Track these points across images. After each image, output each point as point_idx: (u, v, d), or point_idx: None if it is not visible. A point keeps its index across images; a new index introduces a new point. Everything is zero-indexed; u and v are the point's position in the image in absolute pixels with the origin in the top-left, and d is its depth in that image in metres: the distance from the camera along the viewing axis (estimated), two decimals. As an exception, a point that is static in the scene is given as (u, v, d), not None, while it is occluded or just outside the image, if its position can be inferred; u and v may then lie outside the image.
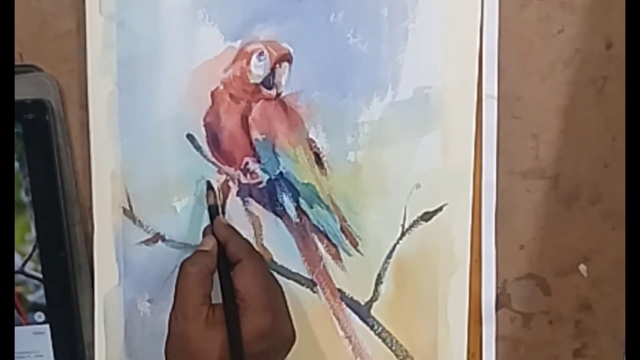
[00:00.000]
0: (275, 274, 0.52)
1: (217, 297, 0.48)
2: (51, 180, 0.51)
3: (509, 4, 0.51)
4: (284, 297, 0.50)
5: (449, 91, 0.51)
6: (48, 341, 0.53)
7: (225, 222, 0.50)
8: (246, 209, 0.52)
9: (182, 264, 0.48)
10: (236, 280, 0.47)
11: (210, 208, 0.50)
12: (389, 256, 0.52)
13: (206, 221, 0.51)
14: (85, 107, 0.51)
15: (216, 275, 0.48)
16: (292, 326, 0.50)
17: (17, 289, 0.52)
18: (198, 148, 0.52)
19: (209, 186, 0.51)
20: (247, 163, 0.52)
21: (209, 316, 0.46)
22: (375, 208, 0.52)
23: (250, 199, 0.52)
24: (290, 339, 0.49)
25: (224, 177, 0.52)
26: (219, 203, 0.52)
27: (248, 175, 0.52)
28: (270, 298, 0.48)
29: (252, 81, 0.51)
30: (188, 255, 0.49)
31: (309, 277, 0.53)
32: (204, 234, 0.50)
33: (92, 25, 0.50)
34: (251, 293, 0.47)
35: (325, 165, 0.52)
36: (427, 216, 0.52)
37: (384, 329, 0.53)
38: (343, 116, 0.51)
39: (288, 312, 0.50)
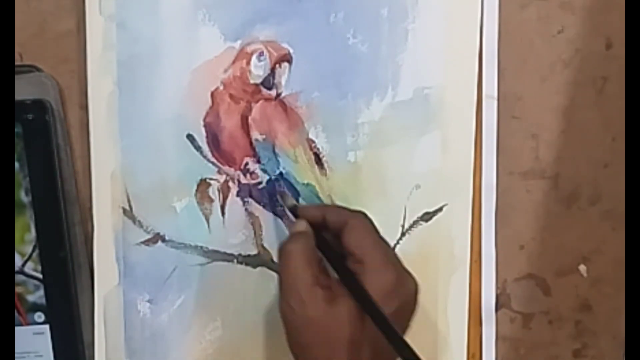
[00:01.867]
0: (274, 274, 0.52)
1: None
2: (51, 180, 0.51)
3: (509, 4, 0.51)
4: (394, 252, 0.47)
5: (449, 91, 0.51)
6: (48, 341, 0.53)
7: (311, 204, 0.50)
8: (246, 209, 0.52)
9: (283, 246, 0.45)
10: (349, 243, 0.45)
11: (292, 209, 0.49)
12: (389, 256, 0.52)
13: (206, 222, 0.51)
14: (85, 107, 0.51)
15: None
16: (414, 279, 0.46)
17: (17, 289, 0.52)
18: (198, 148, 0.52)
19: (283, 193, 0.51)
20: (247, 163, 0.52)
21: (326, 295, 0.43)
22: (375, 208, 0.52)
23: (250, 199, 0.52)
24: (415, 291, 0.46)
25: (224, 177, 0.52)
26: (220, 203, 0.52)
27: (248, 175, 0.52)
28: (386, 252, 0.45)
29: (252, 81, 0.51)
30: (188, 255, 0.49)
31: (309, 277, 0.53)
32: (289, 227, 0.49)
33: (92, 26, 0.50)
34: (367, 251, 0.44)
35: (325, 165, 0.52)
36: (427, 216, 0.52)
37: (384, 329, 0.53)
38: (343, 116, 0.51)
39: (403, 266, 0.46)
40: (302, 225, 0.47)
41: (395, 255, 0.46)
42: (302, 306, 0.43)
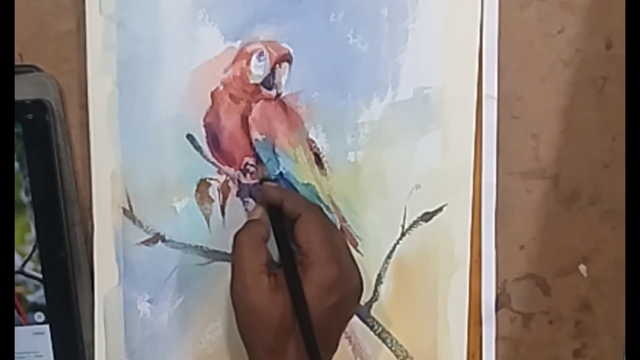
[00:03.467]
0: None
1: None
2: (51, 180, 0.51)
3: (509, 4, 0.51)
4: (347, 246, 0.50)
5: (449, 91, 0.51)
6: (48, 341, 0.53)
7: (275, 184, 0.50)
8: (246, 209, 0.52)
9: (235, 235, 0.47)
10: (298, 236, 0.47)
11: (262, 180, 0.51)
12: (388, 256, 0.52)
13: (206, 222, 0.51)
14: (85, 107, 0.51)
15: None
16: (359, 274, 0.49)
17: (17, 289, 0.52)
18: (198, 148, 0.52)
19: (259, 160, 0.51)
20: (247, 163, 0.52)
21: (270, 283, 0.45)
22: (375, 208, 0.52)
23: (250, 199, 0.52)
24: (358, 287, 0.48)
25: (223, 177, 0.52)
26: (220, 203, 0.52)
27: (248, 175, 0.52)
28: (333, 248, 0.47)
29: (252, 81, 0.51)
30: (188, 255, 0.49)
31: (309, 277, 0.53)
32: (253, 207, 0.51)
33: (92, 25, 0.50)
34: (314, 247, 0.46)
35: (325, 165, 0.52)
36: (427, 216, 0.52)
37: (384, 329, 0.53)
38: (343, 116, 0.51)
39: (354, 261, 0.49)
40: (257, 213, 0.49)
41: (343, 251, 0.48)
42: (246, 292, 0.45)
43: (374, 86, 0.51)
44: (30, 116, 0.50)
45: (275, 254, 0.48)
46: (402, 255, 0.52)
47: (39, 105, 0.50)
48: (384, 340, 0.53)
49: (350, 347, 0.53)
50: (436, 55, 0.51)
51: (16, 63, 0.51)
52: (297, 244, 0.47)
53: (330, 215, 0.52)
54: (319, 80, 0.51)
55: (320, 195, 0.52)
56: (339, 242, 0.49)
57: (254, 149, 0.52)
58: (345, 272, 0.47)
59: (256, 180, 0.52)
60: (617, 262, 0.54)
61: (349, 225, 0.52)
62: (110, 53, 0.51)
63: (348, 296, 0.48)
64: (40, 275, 0.52)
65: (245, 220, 0.50)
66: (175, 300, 0.53)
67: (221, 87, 0.51)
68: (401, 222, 0.52)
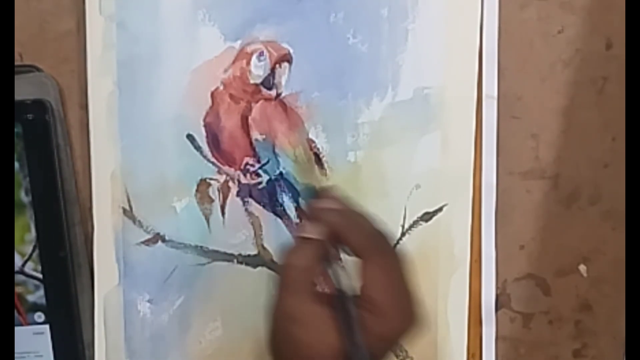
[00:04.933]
0: (274, 274, 0.52)
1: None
2: (51, 180, 0.51)
3: (509, 4, 0.51)
4: (410, 293, 0.42)
5: (449, 91, 0.51)
6: (48, 341, 0.53)
7: (335, 203, 0.42)
8: (246, 209, 0.52)
9: (287, 254, 0.40)
10: (363, 281, 0.40)
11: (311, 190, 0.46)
12: (389, 256, 0.52)
13: (206, 222, 0.51)
14: (85, 107, 0.51)
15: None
16: (413, 308, 0.41)
17: (17, 289, 0.52)
18: (198, 148, 0.52)
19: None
20: (247, 163, 0.52)
21: (322, 316, 0.39)
22: (375, 208, 0.52)
23: (250, 199, 0.52)
24: (413, 324, 0.42)
25: (224, 177, 0.52)
26: (220, 203, 0.52)
27: (248, 175, 0.52)
28: (402, 299, 0.40)
29: (252, 81, 0.51)
30: (188, 255, 0.49)
31: (309, 277, 0.53)
32: (300, 217, 0.46)
33: (92, 25, 0.50)
34: (380, 298, 0.39)
35: (325, 165, 0.52)
36: (427, 216, 0.52)
37: (384, 329, 0.53)
38: (343, 116, 0.51)
39: (412, 307, 0.41)
40: (315, 231, 0.41)
41: (408, 292, 0.41)
42: (294, 325, 0.40)
43: (374, 86, 0.51)
44: (30, 116, 0.50)
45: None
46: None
47: (39, 105, 0.50)
48: (384, 340, 0.53)
49: None
50: (436, 55, 0.51)
51: (16, 63, 0.51)
52: (361, 291, 0.40)
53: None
54: (319, 80, 0.51)
55: (320, 195, 0.52)
56: (405, 289, 0.41)
57: (254, 149, 0.52)
58: (406, 320, 0.41)
59: (256, 180, 0.52)
60: (617, 262, 0.54)
61: (349, 225, 0.52)
62: (110, 53, 0.51)
63: (403, 337, 0.42)
64: (40, 275, 0.52)
65: (243, 219, 0.50)
66: (175, 300, 0.53)
67: (221, 87, 0.51)
68: (401, 222, 0.52)
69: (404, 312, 0.41)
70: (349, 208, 0.42)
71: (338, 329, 0.39)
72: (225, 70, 0.51)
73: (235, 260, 0.52)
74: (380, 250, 0.41)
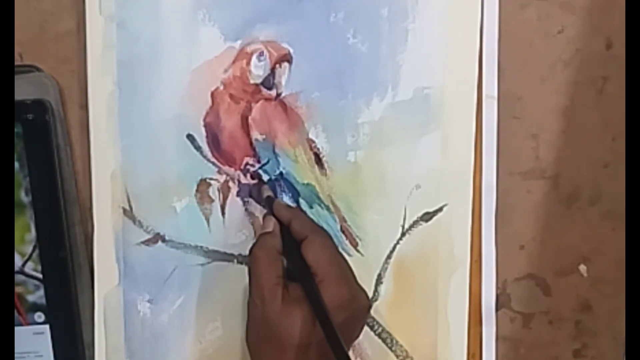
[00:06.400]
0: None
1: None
2: (51, 180, 0.51)
3: (509, 4, 0.51)
4: (350, 269, 0.50)
5: (449, 91, 0.51)
6: (48, 341, 0.53)
7: (285, 203, 0.51)
8: (246, 209, 0.52)
9: (251, 249, 0.48)
10: (306, 255, 0.48)
11: (267, 199, 0.51)
12: (389, 256, 0.52)
13: (206, 222, 0.51)
14: (85, 107, 0.51)
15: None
16: (366, 294, 0.51)
17: (17, 289, 0.52)
18: (198, 148, 0.52)
19: (262, 180, 0.52)
20: (247, 163, 0.52)
21: (284, 295, 0.46)
22: (375, 208, 0.52)
23: (250, 199, 0.52)
24: (367, 306, 0.51)
25: (224, 177, 0.52)
26: (220, 203, 0.52)
27: (248, 175, 0.52)
28: (342, 269, 0.49)
29: (252, 81, 0.51)
30: (188, 255, 0.49)
31: (309, 277, 0.53)
32: (263, 219, 0.51)
33: (92, 25, 0.50)
34: (323, 266, 0.47)
35: (325, 165, 0.52)
36: (427, 216, 0.52)
37: (384, 329, 0.53)
38: (343, 116, 0.51)
39: (357, 282, 0.50)
40: (270, 226, 0.49)
41: (349, 272, 0.50)
42: (263, 303, 0.46)
43: (374, 86, 0.51)
44: (30, 116, 0.50)
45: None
46: (402, 255, 0.52)
47: (39, 105, 0.50)
48: (384, 340, 0.53)
49: (351, 347, 0.53)
50: (436, 55, 0.51)
51: (16, 63, 0.51)
52: (306, 264, 0.47)
53: (330, 215, 0.52)
54: (319, 80, 0.51)
55: (320, 195, 0.52)
56: (344, 265, 0.50)
57: (254, 149, 0.52)
58: (354, 291, 0.49)
59: (256, 181, 0.52)
60: (617, 262, 0.54)
61: (349, 225, 0.52)
62: (110, 53, 0.51)
63: (356, 315, 0.49)
64: (40, 275, 0.52)
65: (243, 219, 0.50)
66: (175, 300, 0.53)
67: (221, 87, 0.51)
68: (401, 222, 0.52)
69: (346, 280, 0.48)
70: (292, 206, 0.52)
71: (300, 306, 0.46)
72: (225, 70, 0.51)
73: (235, 260, 0.53)
74: (315, 231, 0.49)
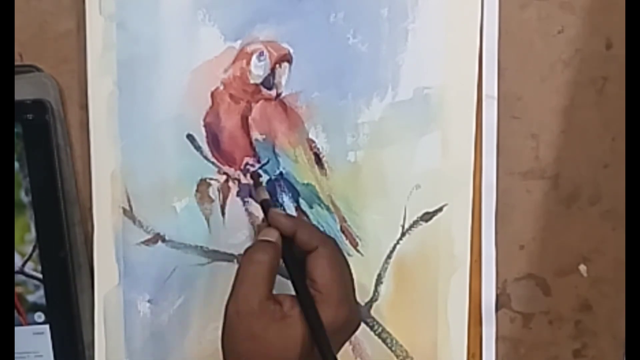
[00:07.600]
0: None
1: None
2: (51, 180, 0.51)
3: (509, 4, 0.51)
4: (353, 284, 0.47)
5: (449, 91, 0.51)
6: (48, 341, 0.53)
7: (284, 212, 0.49)
8: (246, 209, 0.52)
9: (247, 252, 0.44)
10: (313, 269, 0.44)
11: (262, 203, 0.49)
12: (389, 256, 0.52)
13: (206, 222, 0.51)
14: (85, 107, 0.51)
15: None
16: (359, 309, 0.48)
17: (17, 289, 0.52)
18: (198, 148, 0.52)
19: (258, 181, 0.51)
20: (247, 163, 0.52)
21: (276, 312, 0.43)
22: (375, 208, 0.52)
23: (250, 199, 0.52)
24: (358, 324, 0.47)
25: (224, 177, 0.52)
26: (220, 203, 0.52)
27: (248, 175, 0.52)
28: (347, 288, 0.45)
29: (252, 81, 0.51)
30: (188, 255, 0.49)
31: (309, 277, 0.53)
32: (260, 228, 0.49)
33: (92, 25, 0.50)
34: (329, 284, 0.44)
35: (325, 165, 0.52)
36: (427, 216, 0.52)
37: (384, 329, 0.53)
38: (343, 116, 0.51)
39: (355, 299, 0.47)
40: (272, 235, 0.46)
41: (352, 291, 0.46)
42: (251, 317, 0.43)
43: (374, 86, 0.51)
44: (30, 116, 0.50)
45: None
46: (402, 255, 0.52)
47: (39, 105, 0.50)
48: (384, 340, 0.53)
49: (351, 347, 0.53)
50: (436, 55, 0.51)
51: (16, 63, 0.51)
52: (310, 277, 0.44)
53: (330, 215, 0.52)
54: (319, 80, 0.51)
55: (320, 195, 0.52)
56: (349, 280, 0.46)
57: (254, 149, 0.52)
58: (352, 314, 0.45)
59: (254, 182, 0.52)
60: (617, 262, 0.54)
61: (349, 225, 0.52)
62: (110, 53, 0.51)
63: (348, 334, 0.46)
64: (40, 275, 0.52)
65: (243, 219, 0.50)
66: (175, 300, 0.53)
67: (221, 87, 0.51)
68: (401, 222, 0.52)
69: (349, 301, 0.45)
70: (295, 216, 0.50)
71: (293, 323, 0.43)
72: (225, 70, 0.51)
73: (235, 260, 0.52)
74: (325, 242, 0.46)
